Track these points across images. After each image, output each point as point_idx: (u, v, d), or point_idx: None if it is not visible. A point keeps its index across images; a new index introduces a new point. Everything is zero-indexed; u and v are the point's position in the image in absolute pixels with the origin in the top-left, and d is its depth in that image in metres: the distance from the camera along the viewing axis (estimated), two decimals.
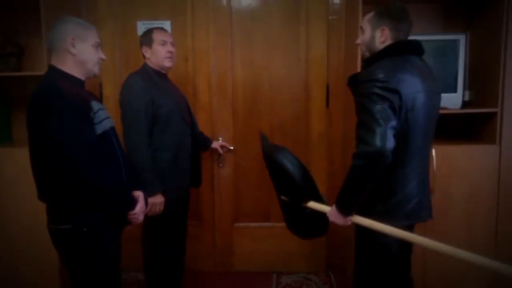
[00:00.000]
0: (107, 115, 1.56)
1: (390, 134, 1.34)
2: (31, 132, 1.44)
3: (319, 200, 1.63)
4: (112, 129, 1.59)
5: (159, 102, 1.99)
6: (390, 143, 1.34)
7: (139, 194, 1.63)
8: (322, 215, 1.59)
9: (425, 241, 1.39)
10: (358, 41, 1.65)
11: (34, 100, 1.41)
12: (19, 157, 2.23)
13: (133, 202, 1.57)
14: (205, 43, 2.62)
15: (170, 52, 2.10)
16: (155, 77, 2.07)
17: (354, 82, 1.56)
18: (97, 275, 1.50)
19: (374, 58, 1.53)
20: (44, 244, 1.46)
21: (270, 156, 1.74)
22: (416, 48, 1.54)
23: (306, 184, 1.63)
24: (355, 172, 1.40)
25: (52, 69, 1.50)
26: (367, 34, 1.58)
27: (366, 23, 1.59)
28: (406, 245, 1.64)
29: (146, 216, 1.98)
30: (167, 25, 2.56)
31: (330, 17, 2.57)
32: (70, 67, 1.51)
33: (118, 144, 1.61)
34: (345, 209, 1.49)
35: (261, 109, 2.68)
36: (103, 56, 1.60)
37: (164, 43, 2.08)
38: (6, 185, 2.28)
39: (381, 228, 1.45)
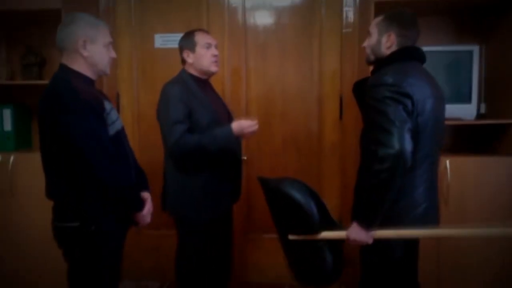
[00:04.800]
0: (117, 115, 1.57)
1: (407, 136, 1.34)
2: (44, 128, 1.44)
3: (335, 227, 1.53)
4: (123, 129, 1.61)
5: (197, 116, 1.82)
6: (408, 144, 1.33)
7: (147, 196, 1.65)
8: (337, 249, 1.52)
9: (462, 231, 1.43)
10: (365, 44, 1.65)
11: (48, 97, 1.41)
12: (38, 163, 2.25)
13: (142, 204, 1.58)
14: (219, 55, 2.65)
15: (215, 56, 1.94)
16: (194, 86, 1.89)
17: (359, 88, 1.57)
18: (96, 273, 1.49)
19: (382, 63, 1.54)
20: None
21: (276, 190, 1.58)
22: (422, 55, 1.55)
23: (318, 212, 1.52)
24: (375, 178, 1.36)
25: (64, 68, 1.48)
26: (374, 38, 1.59)
27: (374, 26, 1.60)
28: (412, 251, 1.61)
29: (182, 236, 1.95)
30: None
31: (344, 31, 2.59)
32: (81, 67, 1.49)
33: (127, 145, 1.63)
34: (367, 221, 1.42)
35: (274, 121, 2.70)
36: (113, 55, 1.58)
37: (209, 46, 1.92)
38: (24, 189, 2.34)
39: (410, 234, 1.44)
